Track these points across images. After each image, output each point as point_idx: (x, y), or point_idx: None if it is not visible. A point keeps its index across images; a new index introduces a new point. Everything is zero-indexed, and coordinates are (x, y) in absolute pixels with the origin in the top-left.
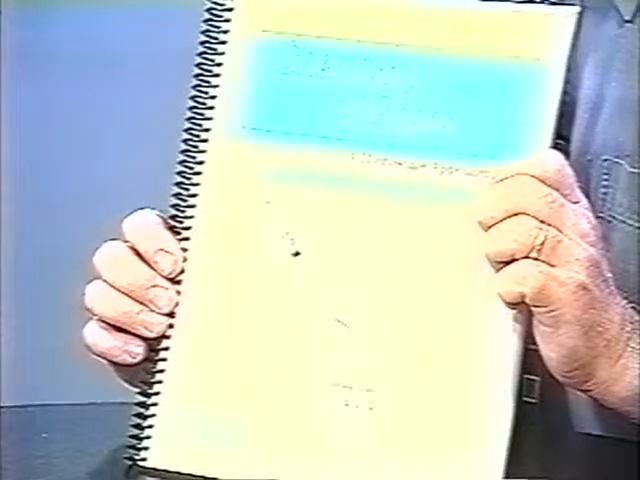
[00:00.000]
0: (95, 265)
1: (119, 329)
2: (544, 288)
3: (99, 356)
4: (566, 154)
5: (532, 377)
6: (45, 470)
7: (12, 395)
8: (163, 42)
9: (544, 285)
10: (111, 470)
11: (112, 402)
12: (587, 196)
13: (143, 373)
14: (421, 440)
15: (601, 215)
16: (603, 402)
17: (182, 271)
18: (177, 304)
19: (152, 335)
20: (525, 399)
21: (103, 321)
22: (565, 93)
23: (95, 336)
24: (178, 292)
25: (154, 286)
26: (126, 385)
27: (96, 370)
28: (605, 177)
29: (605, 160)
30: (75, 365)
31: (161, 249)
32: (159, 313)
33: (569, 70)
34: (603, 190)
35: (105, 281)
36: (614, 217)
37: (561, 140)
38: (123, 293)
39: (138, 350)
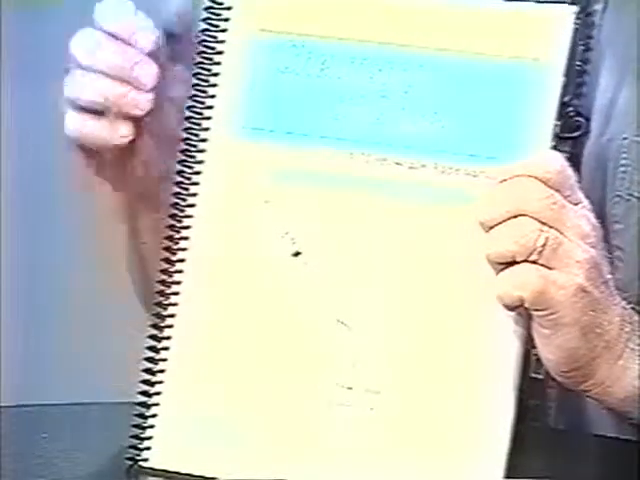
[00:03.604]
0: (72, 54)
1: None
2: (543, 292)
3: (83, 148)
4: (586, 133)
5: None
6: (45, 470)
7: (12, 395)
8: None
9: (543, 289)
10: (111, 470)
11: (112, 402)
12: (605, 176)
13: (122, 171)
14: (422, 441)
15: (619, 194)
16: (602, 402)
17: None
18: (159, 84)
19: (142, 113)
20: (532, 375)
21: (85, 110)
22: (581, 84)
23: (79, 122)
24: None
25: (137, 63)
26: (102, 180)
27: (96, 370)
28: (624, 156)
29: (624, 139)
30: (75, 365)
31: (138, 29)
32: (145, 90)
33: (572, 67)
34: (622, 169)
35: (86, 68)
36: (632, 195)
37: (581, 118)
38: (107, 75)
39: (126, 131)
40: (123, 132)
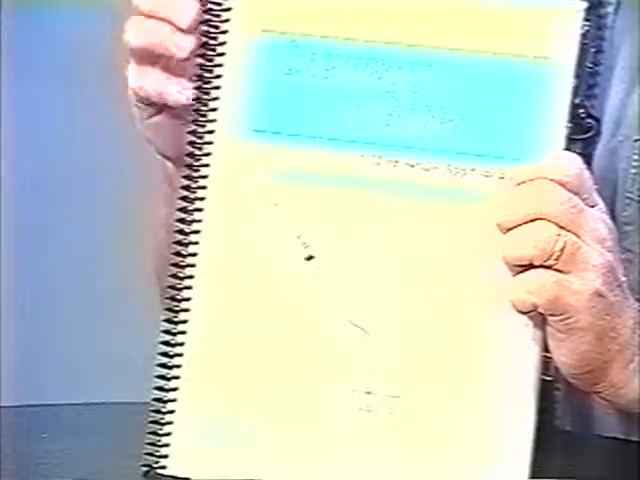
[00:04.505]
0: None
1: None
2: (557, 299)
3: (143, 102)
4: (597, 134)
5: (547, 354)
6: (45, 470)
7: (12, 395)
8: None
9: (557, 296)
10: (111, 470)
11: (112, 402)
12: (616, 177)
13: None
14: (442, 445)
15: (630, 196)
16: (613, 403)
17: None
18: (199, 20)
19: (184, 56)
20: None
21: (143, 61)
22: (593, 86)
23: (142, 76)
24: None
25: (176, 1)
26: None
27: (96, 370)
28: (635, 157)
29: (636, 140)
30: (76, 365)
31: None
32: (184, 31)
33: (583, 68)
34: (633, 170)
35: (138, 9)
36: None
37: (592, 120)
38: (152, 17)
39: (188, 92)
40: (184, 93)
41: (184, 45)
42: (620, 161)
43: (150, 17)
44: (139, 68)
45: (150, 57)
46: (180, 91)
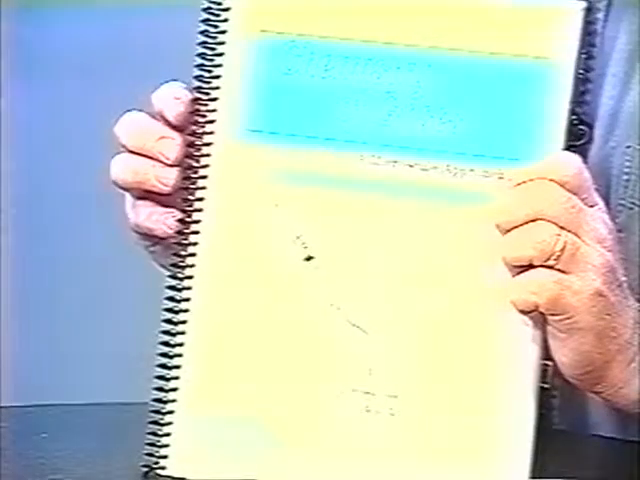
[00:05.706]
0: (116, 134)
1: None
2: (558, 298)
3: (142, 235)
4: (589, 141)
5: (545, 362)
6: (45, 470)
7: (12, 395)
8: (163, 42)
9: (558, 295)
10: (111, 470)
11: (112, 402)
12: (609, 184)
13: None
14: (443, 445)
15: (622, 202)
16: (613, 404)
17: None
18: (183, 154)
19: (168, 190)
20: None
21: (134, 196)
22: (584, 92)
23: (137, 212)
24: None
25: (161, 138)
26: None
27: (96, 370)
28: (628, 164)
29: (628, 147)
30: (76, 365)
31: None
32: (169, 165)
33: (587, 67)
34: (625, 177)
35: (124, 146)
36: (635, 204)
37: (584, 126)
38: (136, 153)
39: (170, 223)
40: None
41: (168, 179)
42: (612, 168)
43: (136, 154)
44: (134, 202)
45: (140, 192)
46: (165, 223)
